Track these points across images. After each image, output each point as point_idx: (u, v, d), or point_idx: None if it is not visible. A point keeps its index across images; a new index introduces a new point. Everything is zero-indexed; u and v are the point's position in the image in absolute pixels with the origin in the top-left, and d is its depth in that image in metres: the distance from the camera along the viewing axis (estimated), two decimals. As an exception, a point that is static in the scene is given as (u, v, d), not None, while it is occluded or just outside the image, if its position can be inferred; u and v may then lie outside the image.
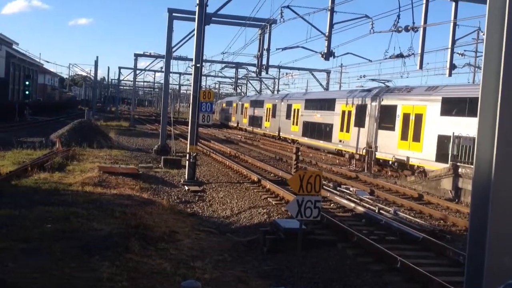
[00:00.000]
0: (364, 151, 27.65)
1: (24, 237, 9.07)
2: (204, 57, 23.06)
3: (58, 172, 18.04)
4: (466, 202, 17.77)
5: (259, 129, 52.95)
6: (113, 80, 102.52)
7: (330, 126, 33.29)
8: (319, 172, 8.12)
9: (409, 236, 12.06)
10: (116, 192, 15.10)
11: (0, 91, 50.70)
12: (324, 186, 17.80)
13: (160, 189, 17.76)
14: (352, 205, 15.68)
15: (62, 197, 13.38)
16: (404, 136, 24.83)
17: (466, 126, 20.14)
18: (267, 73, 38.09)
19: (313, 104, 38.12)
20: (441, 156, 21.85)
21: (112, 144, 29.59)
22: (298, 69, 56.22)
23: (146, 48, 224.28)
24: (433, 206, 17.29)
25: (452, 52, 21.48)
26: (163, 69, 34.33)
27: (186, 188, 18.28)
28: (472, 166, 3.97)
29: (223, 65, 57.78)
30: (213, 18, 22.74)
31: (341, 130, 31.62)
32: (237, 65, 57.95)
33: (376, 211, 15.07)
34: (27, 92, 53.91)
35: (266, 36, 29.53)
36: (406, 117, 24.86)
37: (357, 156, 28.63)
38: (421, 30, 20.98)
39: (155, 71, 77.18)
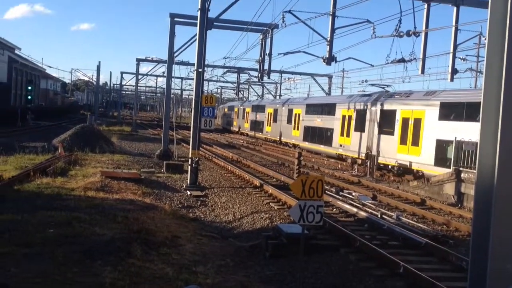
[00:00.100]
0: (365, 155, 27.78)
1: (27, 242, 9.07)
2: (206, 62, 23.13)
3: (61, 177, 18.05)
4: (469, 207, 17.73)
5: (260, 133, 53.01)
6: (115, 85, 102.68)
7: (331, 130, 33.41)
8: (321, 177, 8.12)
9: (412, 241, 12.03)
10: (119, 197, 15.11)
11: (3, 96, 50.81)
12: (326, 191, 17.79)
13: (162, 194, 17.77)
14: (355, 210, 15.66)
15: (64, 202, 13.39)
16: (403, 141, 24.98)
17: (464, 131, 20.33)
18: (269, 78, 38.08)
19: (313, 109, 38.23)
20: (439, 160, 22.06)
21: (114, 149, 29.62)
22: (300, 74, 56.25)
23: (148, 53, 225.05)
24: (436, 211, 17.25)
25: (454, 57, 21.48)
26: (165, 74, 34.39)
27: (188, 193, 18.28)
28: (474, 171, 3.97)
29: (225, 70, 57.91)
30: (215, 23, 22.82)
31: (342, 134, 31.75)
32: (239, 70, 58.05)
33: (379, 216, 15.04)
34: (29, 97, 54.06)
35: (268, 41, 29.60)
36: (405, 121, 25.02)
37: (359, 161, 28.68)
38: (422, 35, 20.99)
39: (157, 76, 77.33)
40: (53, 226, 10.40)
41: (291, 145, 41.75)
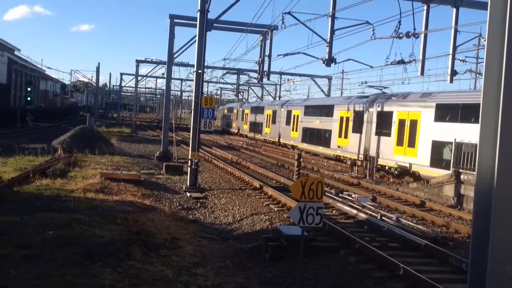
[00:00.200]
0: (362, 157, 27.93)
1: (26, 244, 9.06)
2: (206, 63, 23.13)
3: (60, 179, 18.04)
4: (468, 208, 17.74)
5: (259, 135, 53.04)
6: (114, 86, 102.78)
7: (329, 132, 33.53)
8: (321, 179, 8.12)
9: (412, 243, 12.03)
10: (118, 199, 15.10)
11: (2, 97, 50.81)
12: (326, 193, 17.79)
13: (162, 195, 17.76)
14: (354, 211, 15.65)
15: (64, 204, 13.38)
16: (399, 142, 25.12)
17: (459, 132, 20.51)
18: (268, 79, 38.18)
19: (312, 110, 38.34)
20: (435, 161, 22.21)
21: (114, 151, 29.61)
22: (300, 75, 56.33)
23: (147, 54, 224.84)
24: (436, 212, 17.25)
25: (453, 58, 21.50)
26: (165, 75, 34.41)
27: (188, 194, 18.27)
28: (474, 173, 3.98)
29: (225, 71, 57.98)
30: (214, 24, 22.82)
31: (340, 136, 31.86)
32: (239, 71, 58.14)
33: (378, 217, 15.04)
34: (29, 98, 54.05)
35: (268, 42, 29.63)
36: (401, 123, 25.16)
37: (359, 163, 28.73)
38: (422, 36, 21.01)
39: (156, 77, 77.49)
40: (53, 228, 10.40)
41: (289, 147, 41.83)
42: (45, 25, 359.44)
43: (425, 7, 20.60)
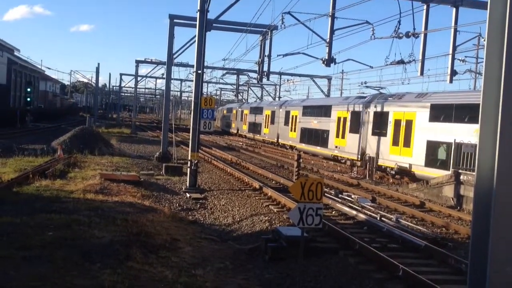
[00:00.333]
0: (359, 157, 28.09)
1: (26, 245, 9.05)
2: (205, 64, 23.14)
3: (60, 179, 18.03)
4: (468, 209, 17.72)
5: (258, 135, 53.09)
6: (114, 87, 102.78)
7: (327, 132, 33.68)
8: (320, 180, 8.11)
9: (411, 243, 12.02)
10: (118, 200, 15.09)
11: (2, 98, 50.82)
12: (325, 194, 17.78)
13: (161, 196, 17.75)
14: (354, 212, 15.65)
15: (63, 205, 13.36)
16: (395, 142, 25.29)
17: (453, 132, 20.66)
18: (268, 79, 38.19)
19: (310, 110, 38.48)
20: (430, 161, 22.38)
21: (114, 151, 29.60)
22: (299, 75, 56.32)
23: (147, 55, 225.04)
24: (435, 213, 17.24)
25: (453, 58, 21.50)
26: (164, 76, 34.40)
27: (188, 195, 18.26)
28: (473, 173, 3.96)
29: (224, 71, 57.98)
30: (214, 24, 22.82)
31: (337, 136, 32.02)
32: (238, 72, 58.14)
33: (378, 218, 15.03)
34: (28, 99, 54.06)
35: (267, 42, 29.61)
36: (397, 123, 25.35)
37: (358, 163, 28.78)
38: (422, 36, 21.00)
39: (156, 77, 77.47)
40: (52, 229, 10.38)
41: (288, 147, 41.93)
42: (45, 25, 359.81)
43: (425, 7, 20.59)
